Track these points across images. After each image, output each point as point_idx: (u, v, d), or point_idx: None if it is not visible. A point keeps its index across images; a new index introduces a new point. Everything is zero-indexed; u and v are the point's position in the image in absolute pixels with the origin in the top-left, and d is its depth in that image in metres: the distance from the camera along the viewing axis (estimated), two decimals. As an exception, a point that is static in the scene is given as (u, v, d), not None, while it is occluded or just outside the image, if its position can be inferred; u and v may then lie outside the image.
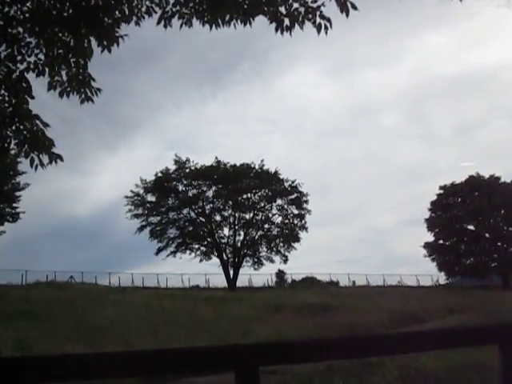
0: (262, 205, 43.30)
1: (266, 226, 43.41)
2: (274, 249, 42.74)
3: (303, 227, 42.95)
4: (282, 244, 42.90)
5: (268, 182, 42.05)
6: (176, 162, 41.67)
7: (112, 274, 41.98)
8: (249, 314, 16.64)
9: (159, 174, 41.28)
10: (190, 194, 41.99)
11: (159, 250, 41.31)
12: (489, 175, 41.45)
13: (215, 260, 42.35)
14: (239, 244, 42.33)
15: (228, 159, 42.88)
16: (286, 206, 43.38)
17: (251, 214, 42.72)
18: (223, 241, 42.57)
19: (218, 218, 42.82)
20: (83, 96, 4.82)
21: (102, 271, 42.52)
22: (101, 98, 4.88)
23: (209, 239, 42.64)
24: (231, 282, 40.40)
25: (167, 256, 41.35)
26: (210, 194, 42.28)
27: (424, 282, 44.20)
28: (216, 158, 42.39)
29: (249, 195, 42.71)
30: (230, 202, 42.35)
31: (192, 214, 42.44)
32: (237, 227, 42.66)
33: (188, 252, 41.90)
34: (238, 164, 42.55)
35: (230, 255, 42.14)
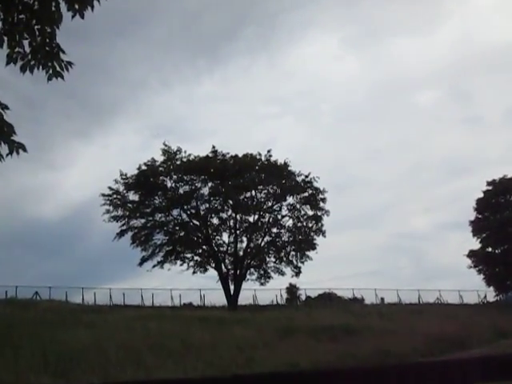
0: (270, 204, 43.50)
1: (275, 230, 43.66)
2: (285, 258, 42.96)
3: (320, 232, 43.23)
4: (293, 252, 43.15)
5: (276, 177, 42.13)
6: (164, 152, 41.84)
7: (86, 289, 42.38)
8: (253, 338, 16.67)
9: (143, 167, 41.41)
10: (182, 191, 42.14)
11: (143, 260, 41.62)
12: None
13: (212, 272, 42.66)
14: (241, 253, 42.53)
15: (228, 149, 43.68)
16: (298, 206, 43.58)
17: (256, 216, 42.93)
18: (222, 249, 42.83)
19: (215, 220, 43.13)
20: (50, 71, 4.73)
21: (74, 286, 42.15)
22: (72, 74, 4.82)
23: (204, 247, 42.84)
24: (232, 300, 40.69)
25: (153, 267, 41.67)
26: (205, 191, 42.49)
27: (468, 299, 44.45)
28: (213, 147, 42.56)
29: (253, 193, 42.88)
30: (230, 202, 42.43)
31: (184, 215, 42.69)
32: (238, 232, 42.90)
33: (179, 262, 42.27)
34: (239, 155, 42.77)
35: (230, 266, 42.33)
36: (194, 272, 42.34)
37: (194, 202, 42.40)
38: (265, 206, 43.24)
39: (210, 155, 42.16)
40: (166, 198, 42.19)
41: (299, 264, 43.09)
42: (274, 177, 41.94)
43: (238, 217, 42.88)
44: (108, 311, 25.51)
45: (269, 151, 43.02)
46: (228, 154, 42.50)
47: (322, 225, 43.38)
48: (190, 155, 42.04)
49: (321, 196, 43.42)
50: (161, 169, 41.63)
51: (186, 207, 42.36)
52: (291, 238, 43.35)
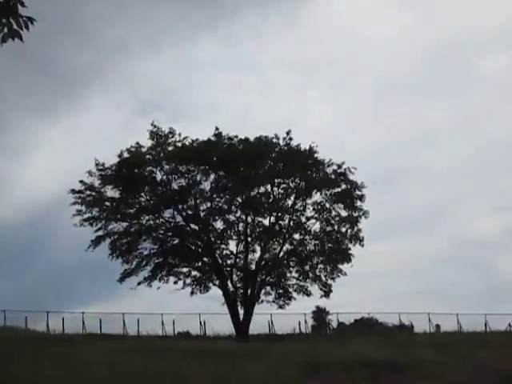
0: (290, 203, 43.62)
1: (297, 236, 43.84)
2: (310, 273, 43.20)
3: (356, 238, 43.42)
4: (322, 266, 43.40)
5: (299, 167, 42.30)
6: (152, 134, 42.16)
7: (52, 313, 43.00)
8: (270, 377, 16.73)
9: (125, 155, 41.67)
10: (176, 185, 42.47)
11: (125, 276, 41.91)
12: None
13: (215, 292, 42.86)
14: (253, 266, 42.76)
15: (235, 130, 43.46)
16: (328, 205, 43.73)
17: (272, 218, 43.06)
18: (228, 261, 43.08)
19: (219, 224, 43.35)
20: (5, 30, 4.75)
21: (36, 310, 42.43)
22: (33, 34, 4.78)
23: (205, 259, 43.11)
24: (241, 327, 40.92)
25: (138, 285, 41.97)
26: (206, 186, 42.76)
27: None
28: (216, 128, 42.68)
29: (268, 188, 43.06)
30: (239, 200, 42.68)
31: (178, 217, 42.96)
32: (250, 239, 43.13)
33: (172, 279, 42.56)
34: (250, 138, 42.95)
35: (238, 284, 42.59)
36: (192, 292, 42.59)
37: (192, 200, 42.61)
38: (284, 205, 43.39)
39: (213, 139, 42.41)
40: (154, 194, 42.48)
41: (329, 281, 43.32)
42: (295, 167, 42.08)
43: (249, 219, 43.10)
44: (80, 342, 25.68)
45: (288, 133, 43.24)
46: (236, 137, 42.74)
47: (359, 230, 43.57)
48: (185, 139, 42.35)
49: (358, 192, 43.60)
50: (148, 156, 41.87)
51: (181, 207, 42.58)
52: (319, 247, 43.51)
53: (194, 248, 43.31)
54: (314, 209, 43.76)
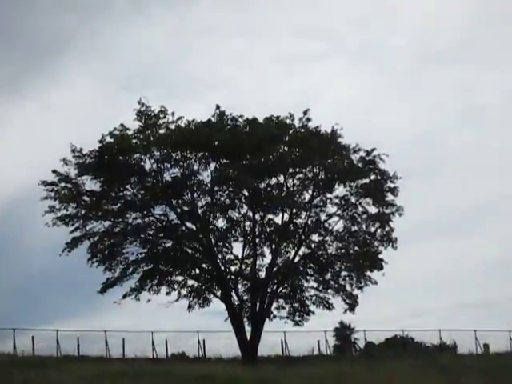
0: (307, 197, 43.71)
1: (316, 237, 43.96)
2: (332, 282, 43.34)
3: (388, 240, 43.54)
4: (346, 273, 43.56)
5: (319, 154, 42.29)
6: (140, 114, 42.22)
7: (19, 331, 43.58)
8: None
9: (107, 139, 41.62)
10: (168, 176, 42.61)
11: (108, 286, 42.10)
12: None
13: (217, 305, 43.03)
14: (263, 273, 42.92)
15: (241, 109, 44.04)
16: (353, 200, 43.84)
17: (286, 216, 43.12)
18: (232, 268, 43.21)
19: (221, 223, 43.51)
20: None
21: (0, 327, 42.66)
22: None
23: (204, 265, 43.27)
24: (248, 348, 41.12)
25: (124, 297, 42.13)
26: (205, 176, 42.77)
27: None
28: (218, 107, 42.62)
29: (281, 179, 43.14)
30: (245, 193, 42.75)
31: (172, 215, 43.08)
32: (258, 241, 43.29)
33: (164, 290, 42.73)
34: (259, 118, 42.89)
35: (245, 296, 42.75)
36: (189, 306, 42.68)
37: (188, 193, 42.75)
38: (300, 200, 43.43)
39: (214, 120, 42.38)
40: (143, 187, 42.63)
41: (355, 291, 43.47)
42: (314, 153, 42.05)
43: (258, 217, 43.22)
44: (53, 365, 25.75)
45: (306, 113, 43.18)
46: (241, 117, 42.73)
47: (392, 229, 43.63)
48: (180, 120, 42.35)
49: (390, 184, 43.65)
50: (135, 141, 41.90)
51: (175, 202, 42.76)
52: (342, 251, 43.69)
53: (190, 252, 43.46)
54: (336, 204, 43.77)
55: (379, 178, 43.63)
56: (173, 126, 42.21)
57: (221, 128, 42.00)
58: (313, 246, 43.78)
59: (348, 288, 43.33)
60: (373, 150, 43.31)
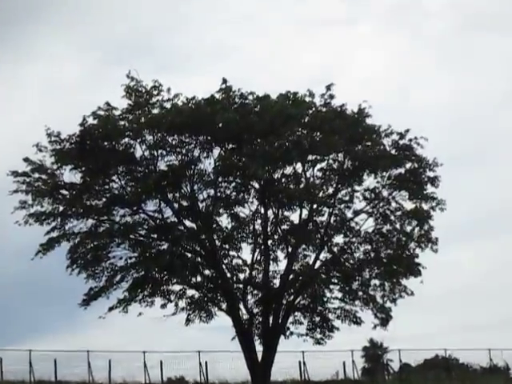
0: (330, 190, 43.44)
1: (341, 238, 43.76)
2: (360, 293, 43.24)
3: (427, 241, 43.28)
4: (377, 281, 43.43)
5: (344, 137, 41.55)
6: (130, 91, 41.94)
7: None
8: None
9: (90, 121, 41.19)
10: (163, 165, 42.18)
11: (91, 297, 42.08)
12: None
13: (222, 320, 42.92)
14: (277, 282, 42.80)
15: (251, 84, 44.27)
16: (386, 194, 43.58)
17: (305, 213, 42.84)
18: (240, 275, 43.15)
19: (226, 220, 43.26)
20: None
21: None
22: None
23: (207, 271, 43.05)
24: (260, 370, 41.19)
25: (111, 310, 42.15)
26: (207, 164, 42.34)
27: None
28: (224, 81, 42.17)
29: (299, 168, 42.72)
30: (256, 185, 42.37)
31: (167, 211, 42.82)
32: (271, 243, 43.16)
33: (159, 301, 42.67)
34: (273, 95, 42.60)
35: (255, 309, 42.71)
36: (187, 320, 42.57)
37: (187, 185, 42.46)
38: (322, 194, 43.01)
39: (218, 97, 41.91)
40: (133, 178, 42.40)
41: (388, 303, 43.33)
42: (339, 137, 41.30)
43: (271, 214, 42.99)
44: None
45: (329, 88, 42.80)
46: (252, 94, 42.41)
47: (432, 228, 43.41)
48: (177, 97, 41.92)
49: (429, 173, 43.29)
50: (123, 123, 41.58)
51: (171, 196, 42.62)
52: (372, 255, 43.46)
53: (190, 256, 43.14)
54: (365, 199, 43.53)
55: (416, 166, 43.21)
56: (168, 105, 41.87)
57: (226, 107, 41.25)
58: (337, 249, 43.59)
59: (379, 299, 43.21)
60: (407, 132, 42.85)
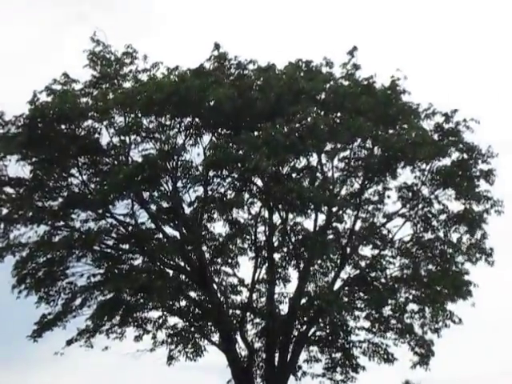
0: (355, 188, 43.20)
1: (368, 251, 43.51)
2: (394, 322, 43.12)
3: (480, 253, 43.02)
4: (415, 307, 43.04)
5: (372, 119, 40.96)
6: (94, 58, 41.86)
7: None
8: None
9: (43, 98, 40.78)
10: (137, 156, 41.73)
11: (44, 327, 42.04)
12: None
13: (215, 357, 42.66)
14: (286, 308, 42.33)
15: (251, 51, 44.19)
16: (426, 192, 43.28)
17: (322, 217, 42.32)
18: (237, 298, 42.98)
19: (219, 227, 43.01)
20: None
21: None
22: None
23: (194, 293, 42.93)
24: None
25: (69, 344, 42.28)
26: (195, 155, 41.94)
27: None
28: (216, 46, 42.02)
29: (314, 159, 42.24)
30: (258, 181, 41.84)
31: (143, 215, 42.58)
32: (278, 256, 42.95)
33: (133, 332, 42.68)
34: (279, 65, 42.39)
35: (257, 343, 42.66)
36: (169, 357, 42.41)
37: (169, 182, 42.21)
38: (343, 192, 42.83)
39: (208, 66, 41.83)
40: (98, 172, 42.17)
41: (428, 335, 43.04)
42: (365, 119, 40.64)
43: (277, 218, 42.69)
44: None
45: (352, 54, 42.66)
46: (252, 62, 42.15)
47: (485, 236, 43.22)
48: (156, 67, 41.84)
49: (482, 166, 42.87)
50: (86, 100, 41.26)
51: (147, 195, 42.35)
52: (409, 271, 43.18)
53: (172, 273, 42.77)
54: (399, 198, 43.20)
55: (465, 156, 42.79)
56: (145, 77, 41.74)
57: (220, 80, 40.87)
58: (363, 263, 43.34)
59: (418, 329, 42.88)
60: (455, 112, 42.48)
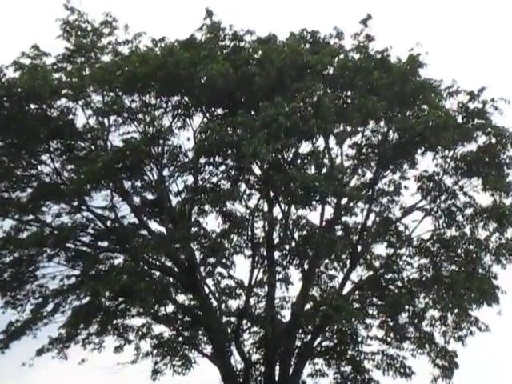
0: (367, 177, 43.05)
1: (382, 249, 43.39)
2: (412, 330, 42.99)
3: (510, 253, 42.78)
4: (436, 314, 42.86)
5: (388, 97, 40.82)
6: (68, 28, 41.73)
7: None
8: None
9: (9, 74, 40.37)
10: (117, 140, 41.59)
11: (12, 336, 41.97)
12: None
13: (207, 370, 42.50)
14: (288, 314, 42.27)
15: (249, 19, 43.26)
16: (449, 182, 43.07)
17: (329, 211, 42.21)
18: (232, 304, 42.90)
19: (212, 221, 42.74)
20: None
21: None
22: None
23: (183, 297, 42.83)
24: None
25: (40, 354, 42.37)
26: (184, 139, 41.96)
27: None
28: (208, 14, 41.92)
29: (320, 143, 42.08)
30: (256, 169, 41.66)
31: (123, 208, 42.44)
32: (280, 255, 42.94)
33: (112, 341, 42.75)
34: (281, 36, 42.37)
35: (256, 354, 42.67)
36: (154, 372, 42.52)
37: (154, 170, 42.24)
38: (354, 180, 42.80)
39: (200, 37, 41.78)
40: (72, 158, 41.90)
41: (451, 344, 43.01)
42: (380, 98, 40.46)
43: (278, 212, 42.39)
44: None
45: (365, 24, 42.56)
46: (250, 33, 42.15)
47: None
48: (139, 38, 41.91)
49: None
50: (59, 76, 41.03)
51: (129, 185, 42.36)
52: (429, 273, 43.07)
53: (158, 275, 42.75)
54: (418, 189, 43.10)
55: (494, 141, 42.45)
56: (126, 50, 41.79)
57: (213, 53, 40.66)
58: (377, 264, 43.32)
59: (439, 339, 42.82)
60: (482, 91, 42.16)
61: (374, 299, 43.28)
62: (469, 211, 42.78)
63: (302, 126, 39.44)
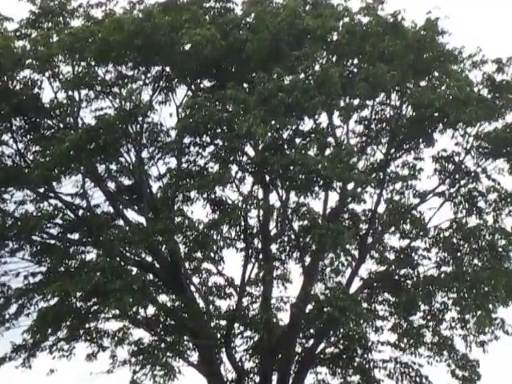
0: (378, 158, 43.26)
1: (396, 242, 43.60)
2: (429, 334, 43.18)
3: None
4: (456, 315, 43.27)
5: (400, 67, 40.92)
6: None
7: None
8: None
9: None
10: (89, 117, 41.90)
11: None
12: None
13: (193, 380, 42.94)
14: (286, 317, 42.56)
15: None
16: (472, 164, 43.26)
17: (334, 197, 42.70)
18: (222, 305, 43.40)
19: (199, 210, 42.85)
20: None
21: None
22: None
23: (165, 297, 43.18)
24: None
25: (2, 363, 42.90)
26: (166, 114, 42.37)
27: None
28: None
29: (324, 120, 42.26)
30: (250, 151, 41.81)
31: (98, 196, 42.75)
32: (277, 248, 43.44)
33: (86, 348, 43.04)
34: None
35: (250, 362, 42.84)
36: (132, 382, 42.34)
37: (131, 150, 42.43)
38: (362, 162, 42.99)
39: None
40: (37, 138, 42.17)
41: (473, 349, 43.14)
42: (391, 68, 40.54)
43: (275, 199, 42.81)
44: None
45: None
46: None
47: None
48: (114, 0, 42.08)
49: None
50: (22, 45, 41.40)
51: (103, 169, 42.79)
52: (449, 268, 43.27)
53: (136, 271, 42.84)
54: (436, 171, 43.30)
55: None
56: (99, 14, 42.02)
57: (197, 16, 40.84)
58: (392, 257, 43.69)
59: (459, 344, 43.01)
60: (511, 60, 42.08)
61: (387, 296, 43.31)
62: (492, 196, 42.81)
63: (305, 103, 39.79)
